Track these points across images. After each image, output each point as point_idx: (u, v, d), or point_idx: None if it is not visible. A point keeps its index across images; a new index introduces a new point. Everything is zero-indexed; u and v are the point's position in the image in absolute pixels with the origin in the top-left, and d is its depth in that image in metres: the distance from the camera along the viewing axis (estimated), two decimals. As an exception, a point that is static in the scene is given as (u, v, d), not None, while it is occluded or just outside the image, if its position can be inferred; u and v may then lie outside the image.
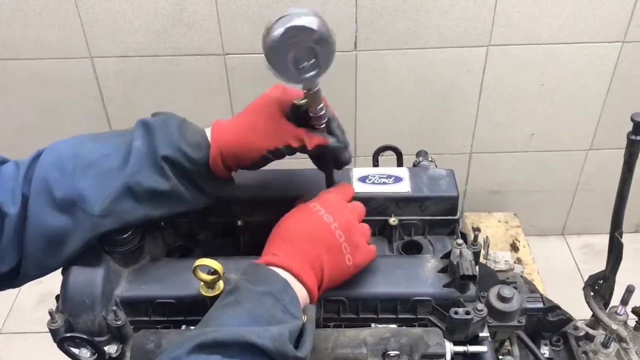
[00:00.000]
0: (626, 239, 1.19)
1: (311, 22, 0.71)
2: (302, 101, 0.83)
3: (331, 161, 0.90)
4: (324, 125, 0.84)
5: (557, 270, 2.16)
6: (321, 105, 0.82)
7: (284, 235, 0.82)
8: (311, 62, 0.73)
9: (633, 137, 1.03)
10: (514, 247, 2.09)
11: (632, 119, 1.02)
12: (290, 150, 0.84)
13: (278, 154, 0.84)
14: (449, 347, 0.81)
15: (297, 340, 0.72)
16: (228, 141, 0.83)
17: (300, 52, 0.72)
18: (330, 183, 0.93)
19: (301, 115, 0.84)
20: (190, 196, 0.85)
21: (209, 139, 0.84)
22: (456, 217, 0.97)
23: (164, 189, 0.82)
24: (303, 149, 0.84)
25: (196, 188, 0.85)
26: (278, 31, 0.70)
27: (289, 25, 0.70)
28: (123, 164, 0.81)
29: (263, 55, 0.73)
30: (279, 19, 0.71)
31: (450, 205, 0.97)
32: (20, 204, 0.79)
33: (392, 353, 0.79)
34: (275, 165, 0.90)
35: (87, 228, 0.81)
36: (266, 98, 0.86)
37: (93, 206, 0.80)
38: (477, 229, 2.16)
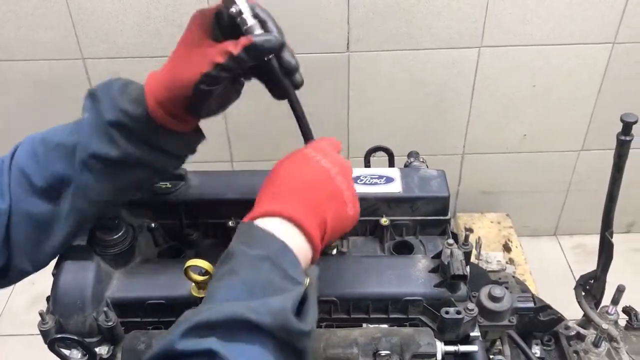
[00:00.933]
0: (617, 239, 1.19)
1: None
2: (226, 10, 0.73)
3: (280, 75, 0.76)
4: (254, 24, 0.73)
5: (550, 271, 2.17)
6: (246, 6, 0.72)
7: (280, 181, 0.73)
8: None
9: (622, 137, 1.04)
10: (507, 248, 2.09)
11: (621, 120, 1.02)
12: (223, 70, 0.72)
13: (212, 81, 0.72)
14: (440, 347, 0.82)
15: (299, 307, 0.64)
16: (157, 85, 0.76)
17: None
18: (294, 108, 0.79)
19: (230, 26, 0.74)
20: (151, 159, 0.78)
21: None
22: (447, 218, 0.98)
23: (115, 155, 0.76)
24: (236, 63, 0.71)
25: (153, 148, 0.78)
26: None
27: None
28: (77, 140, 0.78)
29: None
30: None
31: (441, 205, 0.97)
32: (9, 199, 0.78)
33: (383, 353, 0.79)
34: (268, 165, 0.89)
35: (66, 211, 0.79)
36: (187, 28, 0.76)
37: (69, 186, 0.78)
38: (469, 230, 2.17)
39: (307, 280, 0.66)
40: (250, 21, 0.72)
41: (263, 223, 0.69)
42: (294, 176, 0.73)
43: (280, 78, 0.77)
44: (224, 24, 0.75)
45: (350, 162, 0.80)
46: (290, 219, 0.69)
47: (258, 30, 0.73)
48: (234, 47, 0.71)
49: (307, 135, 0.80)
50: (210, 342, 0.58)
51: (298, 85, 0.78)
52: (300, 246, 0.69)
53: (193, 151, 0.83)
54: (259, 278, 0.64)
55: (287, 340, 0.61)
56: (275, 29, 0.73)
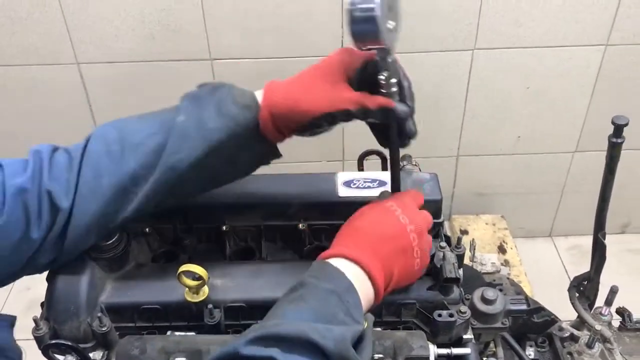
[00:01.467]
0: (612, 239, 1.19)
1: None
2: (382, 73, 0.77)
3: (396, 134, 0.82)
4: (395, 90, 0.78)
5: (545, 272, 2.18)
6: (397, 72, 0.77)
7: (357, 229, 0.79)
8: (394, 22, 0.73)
9: (614, 139, 1.04)
10: (502, 249, 2.10)
11: (612, 122, 1.03)
12: (346, 116, 0.78)
13: (332, 120, 0.79)
14: (433, 350, 0.82)
15: (355, 346, 0.68)
16: (278, 102, 0.79)
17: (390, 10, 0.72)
18: (394, 162, 0.86)
19: (370, 80, 0.78)
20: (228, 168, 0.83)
21: (259, 100, 0.80)
22: (440, 220, 0.98)
23: (201, 162, 0.79)
24: (363, 115, 0.77)
25: (239, 157, 0.82)
26: None
27: None
28: (164, 142, 0.79)
29: (348, 21, 0.70)
30: None
31: (434, 208, 0.97)
32: (72, 197, 0.77)
33: (376, 356, 0.79)
34: (264, 170, 0.90)
35: (131, 212, 0.80)
36: (329, 59, 0.80)
37: (142, 189, 0.79)
38: (464, 232, 2.18)
39: (366, 323, 0.71)
40: (394, 88, 0.77)
41: (336, 262, 0.75)
42: (372, 227, 0.79)
43: (394, 137, 0.82)
44: (364, 74, 0.79)
45: (430, 216, 0.85)
46: (360, 265, 0.75)
47: (396, 97, 0.77)
48: (371, 102, 0.76)
49: (395, 185, 0.88)
50: (273, 352, 0.63)
51: (406, 146, 0.84)
52: (365, 290, 0.74)
53: (266, 162, 0.87)
54: (326, 309, 0.69)
55: None
56: (411, 99, 0.79)
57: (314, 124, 0.79)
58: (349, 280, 0.72)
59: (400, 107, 0.77)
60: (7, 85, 1.93)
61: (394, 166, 0.87)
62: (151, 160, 0.78)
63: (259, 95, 0.81)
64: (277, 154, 0.86)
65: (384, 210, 0.81)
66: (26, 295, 2.11)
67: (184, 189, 0.83)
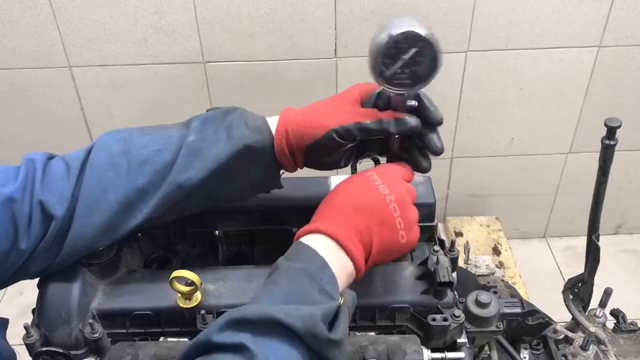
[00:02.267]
0: (606, 240, 1.20)
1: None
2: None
3: (396, 146, 0.84)
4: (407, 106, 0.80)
5: (540, 273, 2.18)
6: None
7: (334, 202, 0.78)
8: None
9: (607, 141, 1.04)
10: (496, 251, 2.10)
11: (605, 125, 1.03)
12: (360, 130, 0.79)
13: (346, 135, 0.79)
14: (427, 354, 0.81)
15: (332, 322, 0.68)
16: (294, 118, 0.81)
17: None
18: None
19: (385, 105, 0.81)
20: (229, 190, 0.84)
21: (274, 123, 0.82)
22: (433, 224, 0.98)
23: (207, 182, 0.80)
24: (378, 129, 0.78)
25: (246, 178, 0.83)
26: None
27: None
28: (172, 159, 0.79)
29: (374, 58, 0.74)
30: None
31: (427, 212, 0.97)
32: (67, 205, 0.77)
33: (370, 361, 0.79)
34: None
35: (133, 226, 0.80)
36: (345, 91, 0.84)
37: (147, 204, 0.79)
38: (459, 234, 2.18)
39: (342, 300, 0.70)
40: (412, 103, 0.79)
41: (308, 240, 0.74)
42: (348, 198, 0.78)
43: (394, 148, 0.84)
44: (379, 103, 0.81)
45: (414, 189, 0.82)
46: (334, 237, 0.73)
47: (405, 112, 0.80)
48: (385, 115, 0.78)
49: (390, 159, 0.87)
50: (244, 337, 0.63)
51: (428, 166, 0.86)
52: (341, 263, 0.73)
53: (267, 190, 0.90)
54: (298, 289, 0.69)
55: (316, 348, 0.65)
56: (433, 108, 0.81)
57: (327, 140, 0.79)
58: (321, 257, 0.71)
59: (411, 119, 0.79)
60: (-1, 88, 1.92)
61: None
62: (159, 178, 0.79)
63: (274, 120, 0.82)
64: (279, 183, 0.88)
65: (362, 181, 0.80)
66: (19, 301, 2.10)
67: (186, 206, 0.83)
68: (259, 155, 0.81)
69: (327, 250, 0.73)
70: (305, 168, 0.86)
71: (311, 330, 0.64)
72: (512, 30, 1.84)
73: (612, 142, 1.04)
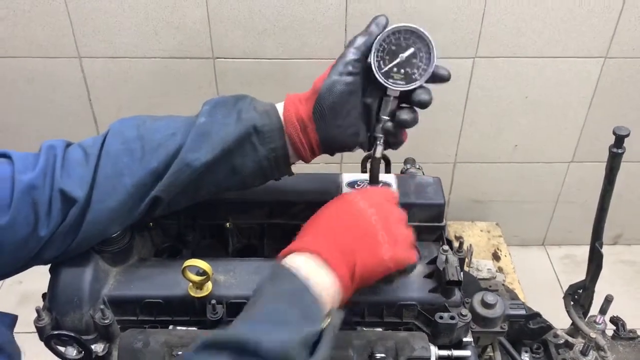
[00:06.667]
0: (605, 250, 1.21)
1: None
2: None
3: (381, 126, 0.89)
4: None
5: (538, 280, 2.19)
6: None
7: (315, 222, 0.78)
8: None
9: (615, 150, 1.06)
10: (496, 257, 2.11)
11: (614, 133, 1.04)
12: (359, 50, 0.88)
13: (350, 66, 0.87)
14: (434, 351, 0.83)
15: (314, 345, 0.67)
16: (299, 94, 0.84)
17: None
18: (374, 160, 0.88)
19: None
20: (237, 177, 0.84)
21: (279, 109, 0.83)
22: (442, 224, 0.99)
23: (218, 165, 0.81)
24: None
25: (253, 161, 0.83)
26: None
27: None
28: (184, 142, 0.80)
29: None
30: None
31: (436, 212, 0.98)
32: (87, 191, 0.78)
33: (379, 356, 0.80)
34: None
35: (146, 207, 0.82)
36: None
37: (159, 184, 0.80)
38: (459, 238, 2.19)
39: (327, 321, 0.68)
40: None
41: (291, 260, 0.74)
42: (329, 217, 0.78)
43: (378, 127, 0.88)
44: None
45: (401, 211, 0.82)
46: (316, 255, 0.73)
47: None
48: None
49: (372, 181, 0.89)
50: (222, 358, 0.63)
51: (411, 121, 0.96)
52: (325, 282, 0.72)
53: (276, 178, 0.89)
54: (276, 313, 0.68)
55: None
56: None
57: (333, 80, 0.83)
58: (301, 280, 0.70)
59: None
60: (8, 77, 1.92)
61: (373, 169, 0.89)
62: (172, 160, 0.80)
63: (281, 105, 0.84)
64: (289, 171, 0.87)
65: (343, 201, 0.81)
66: (18, 289, 2.10)
67: (197, 191, 0.84)
68: (266, 137, 0.81)
69: (309, 269, 0.72)
70: (312, 164, 0.87)
71: (288, 356, 0.63)
72: (520, 39, 1.86)
73: (619, 151, 1.06)
